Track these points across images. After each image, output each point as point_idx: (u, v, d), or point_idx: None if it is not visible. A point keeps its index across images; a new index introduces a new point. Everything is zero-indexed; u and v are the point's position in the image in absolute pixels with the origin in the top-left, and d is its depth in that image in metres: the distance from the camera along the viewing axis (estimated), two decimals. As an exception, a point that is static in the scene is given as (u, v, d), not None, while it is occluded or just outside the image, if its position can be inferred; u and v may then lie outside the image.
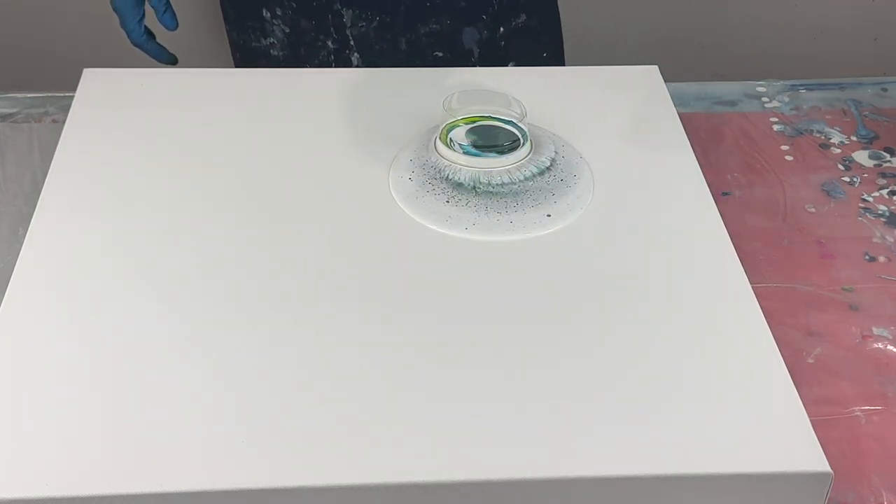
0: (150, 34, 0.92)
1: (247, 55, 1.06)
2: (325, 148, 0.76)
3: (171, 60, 0.93)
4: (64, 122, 0.78)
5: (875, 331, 0.74)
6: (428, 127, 0.77)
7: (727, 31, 1.63)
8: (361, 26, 1.00)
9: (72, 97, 0.81)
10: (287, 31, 1.01)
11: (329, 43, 1.01)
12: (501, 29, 1.02)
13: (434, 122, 0.77)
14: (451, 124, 0.75)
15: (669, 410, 0.58)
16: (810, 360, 0.71)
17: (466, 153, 0.73)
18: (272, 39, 1.02)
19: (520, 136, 0.74)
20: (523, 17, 1.03)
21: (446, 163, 0.73)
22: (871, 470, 0.64)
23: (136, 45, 0.92)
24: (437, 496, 0.54)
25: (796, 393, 0.59)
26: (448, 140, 0.74)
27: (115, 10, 0.89)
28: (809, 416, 0.58)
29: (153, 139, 0.76)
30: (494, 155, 0.73)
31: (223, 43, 1.11)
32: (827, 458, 0.56)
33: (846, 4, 1.62)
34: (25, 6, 1.55)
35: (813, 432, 0.57)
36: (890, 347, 0.73)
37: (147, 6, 0.90)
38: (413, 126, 0.78)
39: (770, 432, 0.57)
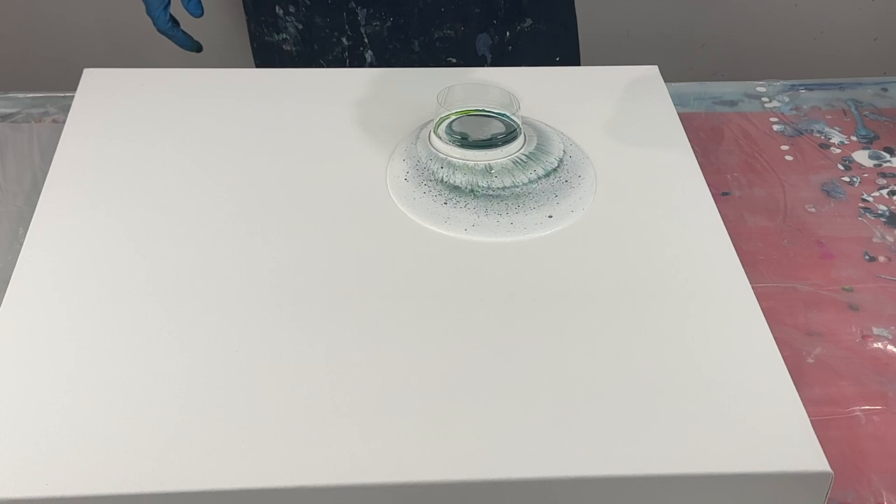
0: (175, 21, 0.93)
1: (262, 48, 1.08)
2: (322, 148, 0.76)
3: (195, 48, 0.94)
4: (64, 122, 0.78)
5: (875, 331, 0.74)
6: (424, 123, 0.77)
7: (727, 31, 1.63)
8: (375, 25, 1.00)
9: (72, 97, 0.81)
10: (300, 27, 1.02)
11: (343, 39, 1.01)
12: (507, 33, 1.02)
13: (430, 118, 0.77)
14: (445, 118, 0.75)
15: (669, 410, 0.58)
16: (810, 360, 0.71)
17: (460, 146, 0.73)
18: (285, 35, 1.03)
19: (514, 128, 0.74)
20: (529, 21, 1.03)
21: (442, 157, 0.73)
22: (871, 470, 0.64)
23: (161, 32, 0.93)
24: (437, 496, 0.54)
25: (796, 393, 0.59)
26: (441, 133, 0.74)
27: None
28: (809, 416, 0.58)
29: (153, 139, 0.76)
30: (489, 147, 0.73)
31: (244, 34, 1.11)
32: (827, 457, 0.56)
33: (846, 4, 1.62)
34: (25, 6, 1.55)
35: (813, 432, 0.57)
36: (890, 347, 0.73)
37: None
38: (410, 125, 0.78)
39: (770, 432, 0.57)
